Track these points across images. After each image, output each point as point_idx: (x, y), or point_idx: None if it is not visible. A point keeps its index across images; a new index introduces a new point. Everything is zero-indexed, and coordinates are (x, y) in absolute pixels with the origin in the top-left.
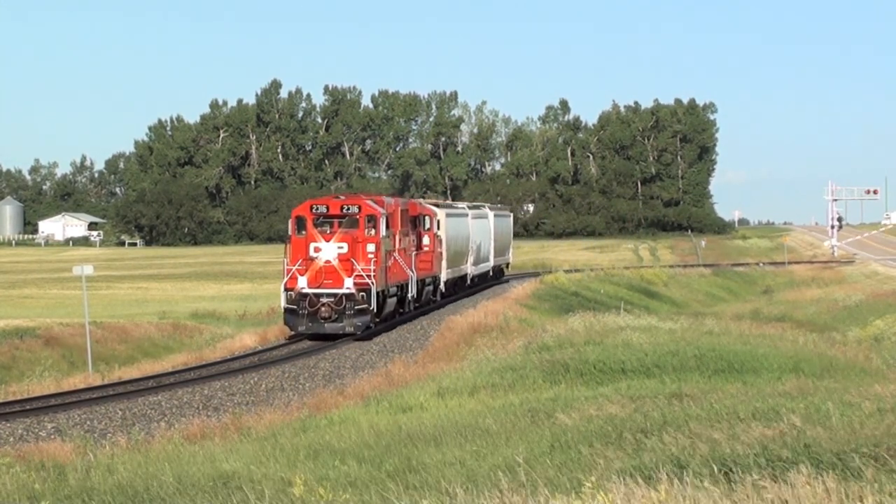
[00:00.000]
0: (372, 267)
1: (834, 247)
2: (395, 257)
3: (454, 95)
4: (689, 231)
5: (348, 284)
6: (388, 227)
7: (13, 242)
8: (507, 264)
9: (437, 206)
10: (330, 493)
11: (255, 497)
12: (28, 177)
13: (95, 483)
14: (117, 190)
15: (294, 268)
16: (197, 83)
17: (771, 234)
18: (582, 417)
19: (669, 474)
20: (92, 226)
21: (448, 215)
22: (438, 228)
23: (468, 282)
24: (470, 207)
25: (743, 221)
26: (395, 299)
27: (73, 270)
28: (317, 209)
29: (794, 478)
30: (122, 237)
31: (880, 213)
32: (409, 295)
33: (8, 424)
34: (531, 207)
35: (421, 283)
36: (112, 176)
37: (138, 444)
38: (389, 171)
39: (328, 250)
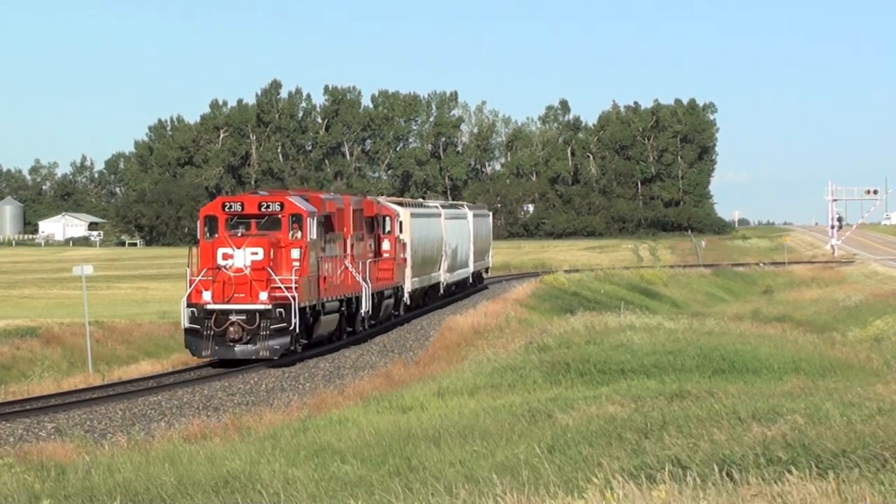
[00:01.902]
0: (294, 277)
1: (834, 246)
2: (345, 265)
3: (454, 95)
4: (689, 231)
5: (263, 298)
6: (329, 228)
7: (13, 242)
8: (487, 269)
9: (401, 204)
10: (330, 494)
11: (256, 497)
12: (28, 177)
13: (96, 483)
14: (117, 190)
15: (198, 278)
16: (197, 83)
17: (771, 234)
18: (582, 417)
19: (670, 474)
20: (92, 226)
21: (414, 216)
22: (401, 231)
23: (441, 291)
24: (444, 206)
25: (743, 221)
26: (335, 316)
27: (73, 270)
28: (230, 207)
29: (795, 478)
30: (123, 237)
31: (880, 213)
32: (363, 311)
33: (8, 424)
34: (531, 207)
35: (378, 296)
36: (112, 176)
37: (138, 444)
38: (389, 172)
39: (240, 257)
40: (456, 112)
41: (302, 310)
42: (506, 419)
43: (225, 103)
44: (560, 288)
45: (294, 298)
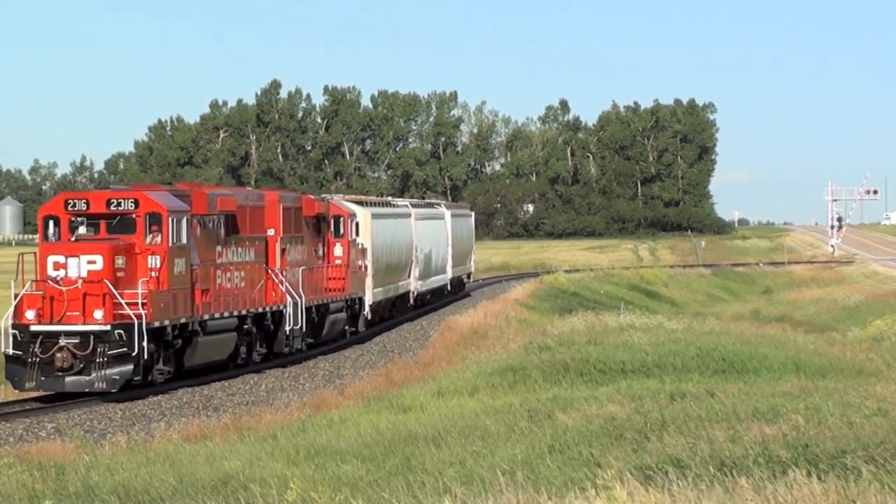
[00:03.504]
0: (142, 290)
1: (834, 246)
2: (264, 274)
3: (454, 95)
4: (689, 231)
5: (98, 318)
6: (232, 229)
7: (13, 242)
8: (469, 275)
9: (361, 203)
10: (329, 494)
11: (256, 497)
12: (28, 177)
13: (96, 483)
14: None
15: (22, 292)
16: (197, 83)
17: (771, 234)
18: (582, 417)
19: (670, 474)
20: None
21: (377, 217)
22: (357, 233)
23: (411, 302)
24: (415, 206)
25: (743, 221)
26: (227, 337)
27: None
28: (73, 205)
29: (794, 478)
30: None
31: (880, 213)
32: (288, 328)
33: (8, 424)
34: (531, 207)
35: (321, 310)
36: (112, 176)
37: (138, 444)
38: (389, 172)
39: (73, 266)
40: (456, 112)
41: (157, 330)
42: (506, 419)
43: (225, 103)
44: (560, 288)
45: (141, 317)
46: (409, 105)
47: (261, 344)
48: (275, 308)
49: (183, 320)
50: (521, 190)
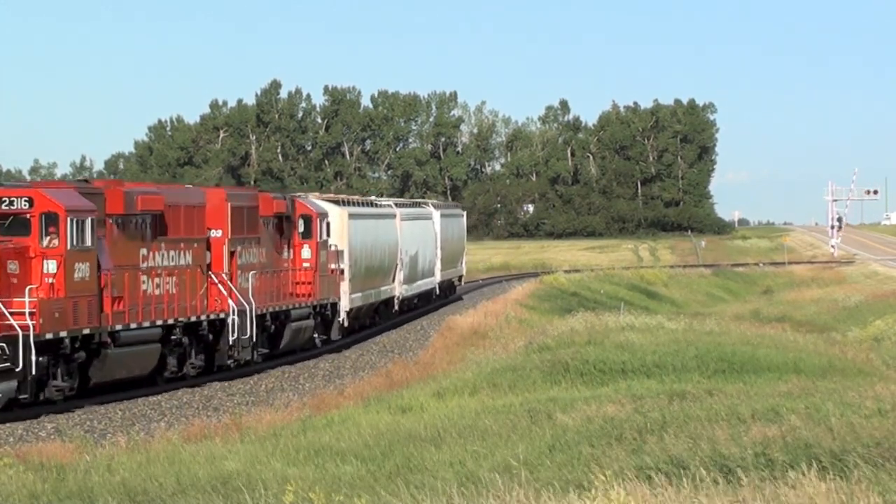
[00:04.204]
0: (29, 298)
1: (834, 246)
2: (206, 279)
3: (454, 95)
4: (689, 231)
5: None
6: (159, 230)
7: None
8: (460, 277)
9: (337, 202)
10: (327, 495)
11: (256, 497)
12: (28, 177)
13: (96, 483)
14: None
15: None
16: (197, 83)
17: (771, 234)
18: (582, 417)
19: (669, 474)
20: None
21: (354, 217)
22: (328, 234)
23: (396, 307)
24: (401, 205)
25: (743, 222)
26: (148, 349)
27: None
28: None
29: (794, 478)
30: None
31: (880, 213)
32: (231, 338)
33: (8, 424)
34: (531, 208)
35: (278, 318)
36: (112, 176)
37: (138, 444)
38: (389, 172)
39: None
40: (456, 112)
41: (51, 343)
42: (506, 419)
43: (225, 103)
44: (560, 288)
45: (28, 328)
46: (409, 105)
47: (197, 356)
48: (215, 316)
49: (86, 331)
50: (521, 190)
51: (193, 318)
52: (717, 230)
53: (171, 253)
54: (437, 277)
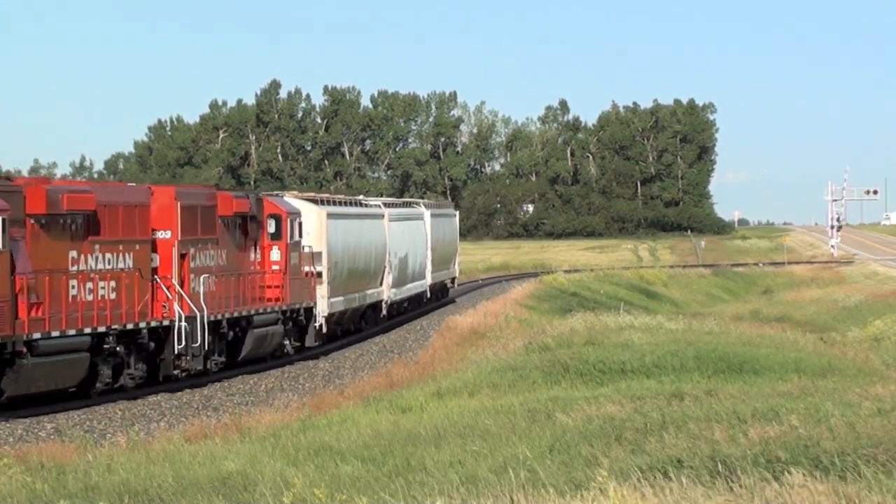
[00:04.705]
0: None
1: (834, 246)
2: (168, 284)
3: (453, 95)
4: (689, 231)
5: None
6: (91, 230)
7: None
8: (453, 279)
9: (315, 202)
10: (329, 495)
11: (256, 497)
12: (28, 177)
13: (95, 483)
14: None
15: None
16: (196, 83)
17: (771, 234)
18: (582, 418)
19: (669, 475)
20: None
21: (333, 216)
22: (300, 235)
23: (384, 312)
24: (390, 205)
25: (743, 222)
26: (81, 358)
27: None
28: None
29: (794, 478)
30: None
31: (880, 213)
32: (175, 348)
33: (8, 424)
34: (531, 208)
35: (239, 324)
36: (112, 176)
37: (138, 444)
38: (389, 172)
39: None
40: (455, 112)
41: None
42: (506, 419)
43: (224, 103)
44: (559, 288)
45: None
46: (408, 105)
47: (137, 366)
48: (157, 324)
49: None
50: (521, 190)
51: (130, 326)
52: (716, 230)
53: (108, 256)
54: (428, 280)
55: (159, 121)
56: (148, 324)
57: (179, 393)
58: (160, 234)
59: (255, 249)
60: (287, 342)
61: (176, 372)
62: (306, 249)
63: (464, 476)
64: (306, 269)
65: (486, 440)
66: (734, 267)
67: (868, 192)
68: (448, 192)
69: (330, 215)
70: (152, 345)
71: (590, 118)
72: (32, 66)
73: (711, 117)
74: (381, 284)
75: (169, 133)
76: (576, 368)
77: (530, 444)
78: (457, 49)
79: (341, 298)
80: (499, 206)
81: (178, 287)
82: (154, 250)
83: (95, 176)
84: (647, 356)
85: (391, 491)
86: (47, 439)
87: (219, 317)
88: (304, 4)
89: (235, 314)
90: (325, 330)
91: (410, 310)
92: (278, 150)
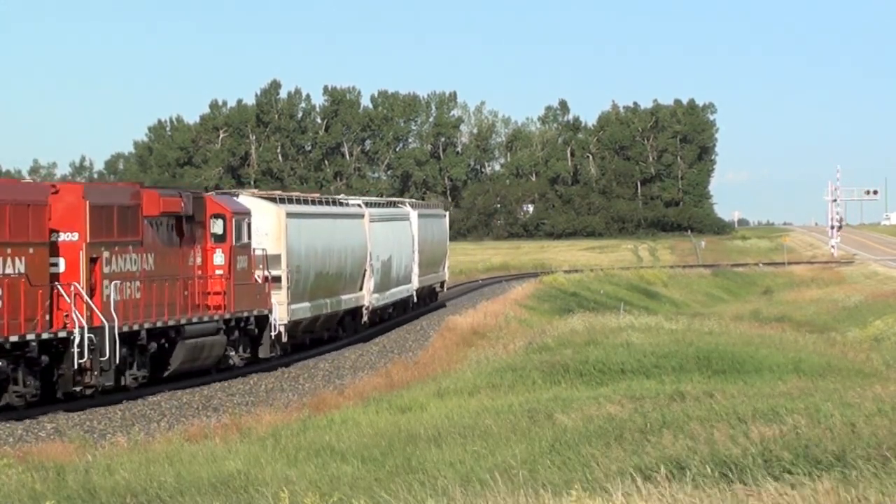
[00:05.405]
0: None
1: (834, 246)
2: (71, 292)
3: (453, 96)
4: (689, 231)
5: None
6: None
7: None
8: (442, 283)
9: (273, 200)
10: (327, 496)
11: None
12: (28, 177)
13: (95, 483)
14: None
15: None
16: (196, 83)
17: (771, 234)
18: (582, 418)
19: (669, 475)
20: None
21: (295, 216)
22: (249, 236)
23: (365, 319)
24: (371, 205)
25: (743, 222)
26: None
27: None
28: None
29: (794, 478)
30: None
31: (880, 213)
32: (75, 362)
33: (8, 425)
34: (531, 208)
35: (169, 335)
36: (111, 176)
37: (138, 445)
38: (389, 172)
39: None
40: (455, 112)
41: None
42: (506, 419)
43: (224, 103)
44: (559, 288)
45: None
46: (408, 105)
47: (26, 382)
48: (51, 336)
49: None
50: (521, 190)
51: (15, 339)
52: (716, 230)
53: None
54: (415, 284)
55: (159, 121)
56: (38, 336)
57: (179, 393)
58: (65, 237)
59: (196, 253)
60: (233, 353)
61: (78, 389)
62: (259, 252)
63: (464, 476)
64: (259, 273)
65: (486, 440)
66: (734, 267)
67: (868, 192)
68: (448, 192)
69: (290, 214)
70: (45, 359)
71: (590, 118)
72: (32, 66)
73: (711, 117)
74: (360, 289)
75: (169, 133)
76: (576, 369)
77: (530, 444)
78: (457, 49)
79: (307, 304)
80: (499, 206)
81: (84, 295)
82: (56, 254)
83: (95, 176)
84: (647, 356)
85: (391, 491)
86: (47, 439)
87: (135, 327)
88: (304, 4)
89: (159, 324)
90: (284, 339)
91: (396, 316)
92: (278, 151)
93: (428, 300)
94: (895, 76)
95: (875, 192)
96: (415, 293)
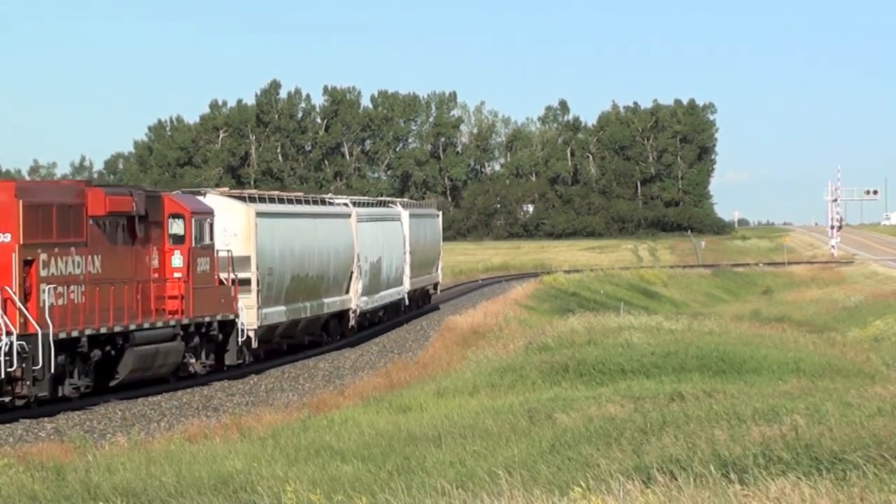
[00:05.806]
0: None
1: (834, 247)
2: (8, 296)
3: (453, 96)
4: (689, 231)
5: None
6: None
7: None
8: (436, 285)
9: (242, 199)
10: (327, 496)
11: (256, 497)
12: (28, 177)
13: (95, 483)
14: None
15: None
16: (196, 83)
17: (771, 234)
18: (582, 418)
19: (669, 475)
20: None
21: (265, 215)
22: (211, 237)
23: (352, 323)
24: (359, 204)
25: (743, 222)
26: None
27: None
28: None
29: (794, 478)
30: None
31: (880, 213)
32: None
33: (8, 425)
34: (531, 208)
35: (116, 341)
36: (111, 176)
37: (138, 445)
38: (389, 172)
39: None
40: (455, 112)
41: None
42: (506, 419)
43: (224, 103)
44: (559, 288)
45: None
46: (408, 105)
47: None
48: None
49: None
50: (521, 190)
51: None
52: (716, 230)
53: None
54: (407, 286)
55: (159, 121)
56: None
57: (179, 393)
58: None
59: (153, 254)
60: (193, 360)
61: (7, 399)
62: (223, 253)
63: (464, 476)
64: (223, 275)
65: (486, 440)
66: (734, 267)
67: (868, 193)
68: (448, 192)
69: (261, 214)
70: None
71: (590, 118)
72: (32, 66)
73: (711, 117)
74: (347, 292)
75: (169, 133)
76: (576, 369)
77: (530, 444)
78: (457, 49)
79: (282, 309)
80: (499, 206)
81: (16, 299)
82: None
83: (95, 176)
84: (646, 356)
85: (391, 491)
86: (47, 439)
87: (74, 333)
88: (304, 4)
89: (102, 329)
90: (255, 345)
91: (387, 319)
92: (278, 151)
93: (421, 303)
94: (895, 76)
95: (875, 192)
96: (407, 296)
